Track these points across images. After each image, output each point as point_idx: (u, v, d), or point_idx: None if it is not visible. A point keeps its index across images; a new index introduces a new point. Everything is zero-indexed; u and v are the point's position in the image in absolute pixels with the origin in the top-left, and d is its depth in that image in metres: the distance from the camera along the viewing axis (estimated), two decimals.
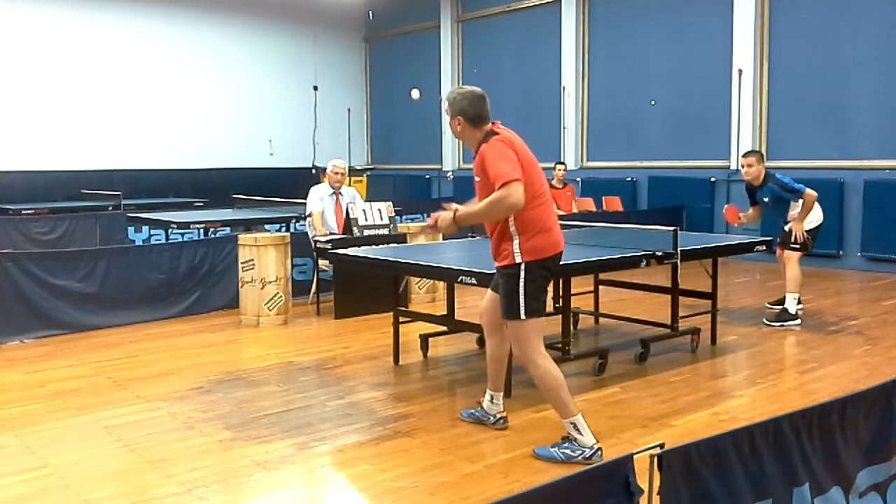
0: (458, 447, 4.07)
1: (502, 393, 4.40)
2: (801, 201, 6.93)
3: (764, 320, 6.99)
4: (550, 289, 6.44)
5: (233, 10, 15.98)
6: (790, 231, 7.04)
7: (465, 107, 3.89)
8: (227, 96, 15.95)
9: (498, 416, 4.35)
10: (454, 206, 3.91)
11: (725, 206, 7.42)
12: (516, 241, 3.80)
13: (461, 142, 4.17)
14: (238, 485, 3.66)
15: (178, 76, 15.40)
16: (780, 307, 7.03)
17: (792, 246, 7.01)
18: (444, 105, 4.01)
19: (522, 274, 3.79)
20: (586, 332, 6.78)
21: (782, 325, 6.84)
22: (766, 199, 7.08)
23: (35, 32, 13.88)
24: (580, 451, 3.82)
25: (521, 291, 3.79)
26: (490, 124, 3.94)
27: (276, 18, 16.55)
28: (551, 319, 6.36)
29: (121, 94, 14.73)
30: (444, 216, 3.87)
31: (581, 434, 3.84)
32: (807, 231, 6.99)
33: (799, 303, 7.15)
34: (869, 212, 10.11)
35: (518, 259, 3.80)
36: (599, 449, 3.83)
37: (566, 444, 3.87)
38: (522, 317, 3.80)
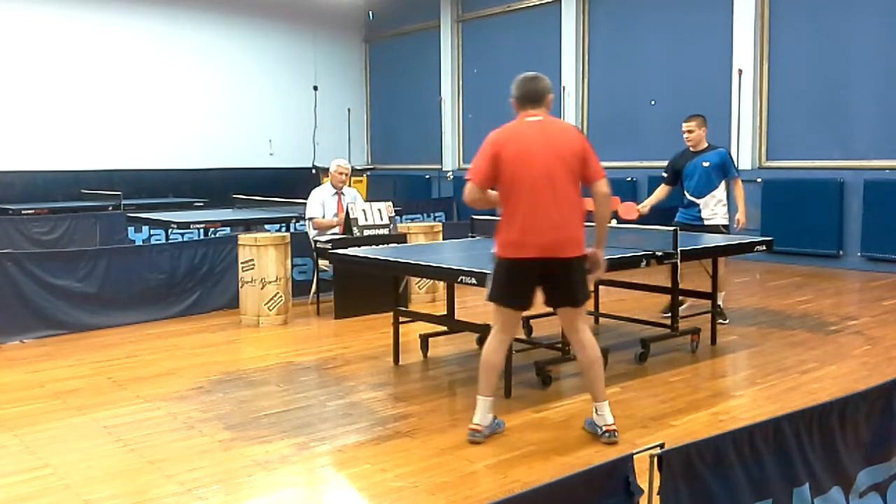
0: (458, 447, 4.07)
1: (606, 402, 4.19)
2: (727, 187, 6.96)
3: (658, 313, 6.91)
4: None
5: (233, 10, 15.98)
6: (715, 228, 6.91)
7: (513, 88, 4.16)
8: (227, 96, 15.95)
9: (604, 428, 4.14)
10: None
11: (621, 205, 7.10)
12: (496, 234, 4.11)
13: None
14: (238, 485, 3.66)
15: (179, 76, 15.39)
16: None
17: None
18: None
19: (494, 262, 4.11)
20: None
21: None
22: (704, 164, 6.97)
23: (35, 32, 13.87)
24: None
25: (490, 276, 4.13)
26: (523, 112, 4.14)
27: (276, 18, 16.54)
28: (551, 319, 6.38)
29: (121, 94, 14.73)
30: None
31: (477, 413, 4.15)
32: (716, 225, 6.95)
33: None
34: (869, 212, 10.10)
35: (494, 249, 4.12)
36: (476, 431, 4.11)
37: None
38: (486, 298, 4.15)
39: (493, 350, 4.16)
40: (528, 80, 4.12)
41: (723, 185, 7.04)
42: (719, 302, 6.80)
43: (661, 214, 7.17)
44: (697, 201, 7.05)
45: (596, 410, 4.15)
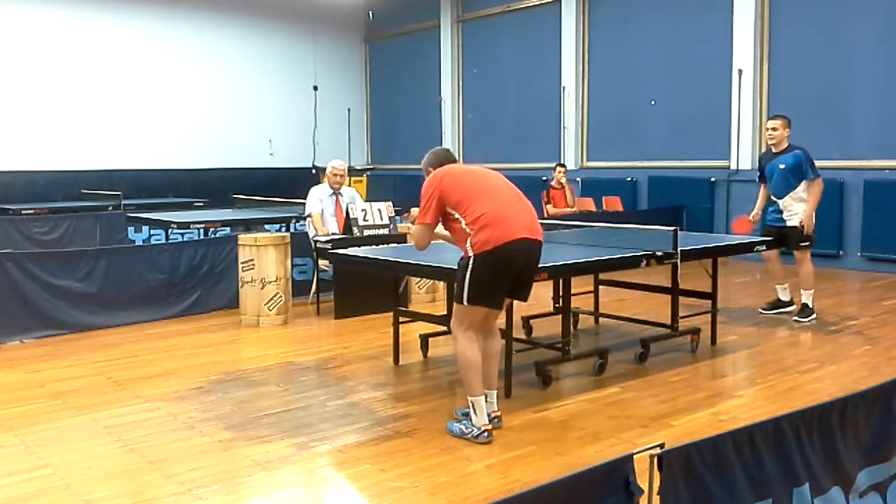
0: (458, 447, 4.07)
1: (495, 391, 4.41)
2: (807, 187, 6.92)
3: (795, 318, 7.02)
4: (549, 288, 6.45)
5: (233, 10, 15.98)
6: (792, 230, 6.98)
7: (430, 160, 4.55)
8: (227, 96, 15.95)
9: (492, 415, 4.36)
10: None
11: (734, 221, 7.32)
12: (469, 240, 4.16)
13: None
14: (238, 485, 3.66)
15: (179, 76, 15.40)
16: (790, 306, 7.03)
17: (802, 245, 7.00)
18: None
19: (470, 264, 4.13)
20: (586, 332, 6.78)
21: (809, 321, 6.92)
22: (781, 167, 6.98)
23: (35, 33, 13.88)
24: (470, 430, 4.16)
25: (467, 280, 4.15)
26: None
27: (276, 18, 16.55)
28: (551, 319, 6.38)
29: (121, 94, 14.73)
30: (414, 213, 4.58)
31: (476, 415, 4.17)
32: (794, 228, 6.99)
33: (791, 303, 7.25)
34: (869, 212, 10.11)
35: (470, 252, 4.16)
36: (487, 432, 4.13)
37: (465, 422, 4.23)
38: (465, 302, 4.17)
39: (474, 352, 4.21)
40: (445, 151, 4.65)
41: (803, 184, 6.99)
42: (807, 301, 6.97)
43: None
44: (778, 201, 7.10)
45: (485, 397, 4.33)
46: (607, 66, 13.40)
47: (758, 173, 7.39)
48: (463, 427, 4.20)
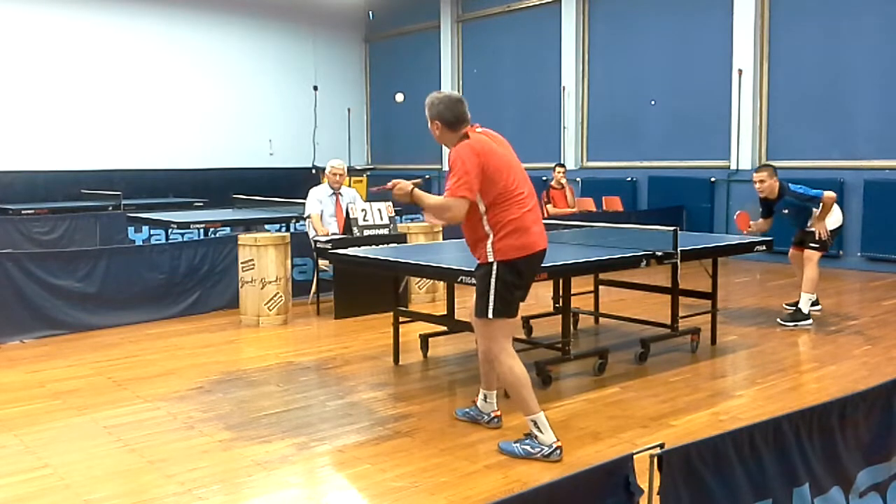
0: (458, 447, 4.07)
1: (495, 392, 4.39)
2: (821, 205, 6.94)
3: (778, 320, 6.99)
4: (549, 288, 6.46)
5: (232, 10, 15.98)
6: (812, 231, 7.01)
7: (441, 111, 4.00)
8: (227, 96, 15.95)
9: (492, 415, 4.37)
10: (418, 180, 4.07)
11: (738, 213, 7.29)
12: (490, 240, 3.87)
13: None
14: (238, 485, 3.66)
15: (178, 76, 15.40)
16: (795, 308, 7.04)
17: (812, 245, 6.99)
18: (426, 110, 4.09)
19: (494, 273, 3.86)
20: (586, 332, 6.78)
21: (795, 325, 6.85)
22: (785, 211, 7.03)
23: (35, 33, 13.88)
24: (539, 449, 3.89)
25: (492, 291, 3.87)
26: (468, 127, 4.03)
27: (276, 18, 16.55)
28: (551, 319, 6.38)
29: (121, 94, 14.73)
30: (403, 185, 3.99)
31: (542, 432, 3.90)
32: (812, 232, 6.99)
33: (816, 303, 7.18)
34: (869, 212, 10.11)
35: (490, 258, 3.88)
36: (559, 448, 3.88)
37: (527, 441, 3.94)
38: (490, 316, 3.89)
39: (521, 367, 3.94)
40: (459, 103, 4.05)
41: (818, 209, 6.99)
42: (803, 306, 6.94)
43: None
44: (806, 227, 7.13)
45: (485, 398, 4.37)
46: (607, 66, 13.40)
47: (761, 209, 7.19)
48: (529, 448, 3.89)
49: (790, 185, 7.03)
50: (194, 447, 4.12)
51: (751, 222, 7.11)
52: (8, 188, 13.43)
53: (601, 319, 6.92)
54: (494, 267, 3.87)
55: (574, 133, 13.73)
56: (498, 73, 15.13)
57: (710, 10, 11.83)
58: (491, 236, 3.88)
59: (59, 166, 14.05)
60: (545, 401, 4.81)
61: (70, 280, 6.86)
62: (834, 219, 7.08)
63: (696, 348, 6.01)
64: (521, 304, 4.11)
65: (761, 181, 7.00)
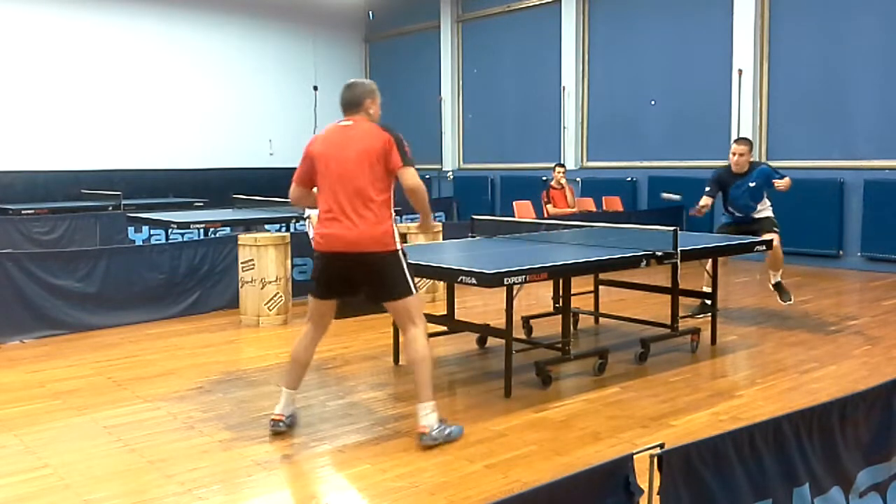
0: (457, 447, 4.07)
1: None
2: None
3: (779, 300, 7.16)
4: (549, 288, 6.45)
5: (232, 10, 15.98)
6: (765, 219, 7.11)
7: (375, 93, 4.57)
8: (227, 96, 15.95)
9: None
10: None
11: (693, 205, 7.26)
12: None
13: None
14: (238, 485, 3.66)
15: (178, 76, 15.40)
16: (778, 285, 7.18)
17: (774, 230, 7.05)
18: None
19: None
20: (586, 332, 6.78)
21: (789, 300, 7.10)
22: (751, 185, 7.04)
23: (35, 33, 13.87)
24: (448, 430, 4.08)
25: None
26: (345, 117, 4.53)
27: (276, 18, 16.55)
28: (551, 319, 6.38)
29: (121, 94, 14.73)
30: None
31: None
32: (766, 217, 7.14)
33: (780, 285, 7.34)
34: (869, 212, 10.11)
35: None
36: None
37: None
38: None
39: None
40: (344, 89, 4.51)
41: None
42: (779, 279, 7.14)
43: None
44: (748, 214, 7.20)
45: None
46: (607, 66, 13.40)
47: (708, 187, 7.24)
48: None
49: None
50: (194, 447, 4.12)
51: (700, 204, 7.12)
52: (8, 188, 13.43)
53: (601, 319, 6.92)
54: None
55: (574, 133, 13.73)
56: (498, 73, 15.13)
57: (709, 10, 11.83)
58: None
59: (59, 166, 14.05)
60: (545, 401, 4.83)
61: (70, 280, 6.86)
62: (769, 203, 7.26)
63: (696, 348, 6.01)
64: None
65: (741, 154, 7.06)
